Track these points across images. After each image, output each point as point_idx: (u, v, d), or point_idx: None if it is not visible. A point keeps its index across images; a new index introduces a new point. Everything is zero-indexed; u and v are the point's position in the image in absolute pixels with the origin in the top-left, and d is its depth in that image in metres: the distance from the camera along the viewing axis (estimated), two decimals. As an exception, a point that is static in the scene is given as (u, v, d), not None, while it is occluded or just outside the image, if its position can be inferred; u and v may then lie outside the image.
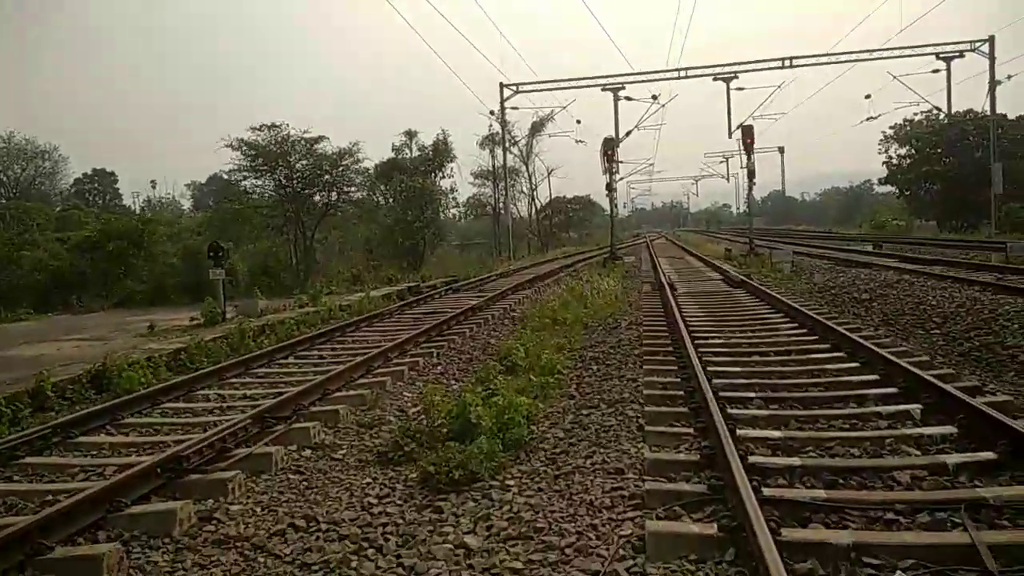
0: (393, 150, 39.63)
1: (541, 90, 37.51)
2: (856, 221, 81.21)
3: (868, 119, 46.77)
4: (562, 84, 37.49)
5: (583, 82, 36.97)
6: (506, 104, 37.77)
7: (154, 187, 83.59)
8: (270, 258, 25.22)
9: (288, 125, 27.74)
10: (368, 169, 30.61)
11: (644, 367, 8.89)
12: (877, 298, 14.40)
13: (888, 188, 60.67)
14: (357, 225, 37.99)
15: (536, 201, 68.09)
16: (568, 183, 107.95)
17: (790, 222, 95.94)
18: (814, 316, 11.44)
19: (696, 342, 9.79)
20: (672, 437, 5.97)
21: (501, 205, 45.63)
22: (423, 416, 7.04)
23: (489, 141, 52.17)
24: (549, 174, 67.47)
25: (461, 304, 16.60)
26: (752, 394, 7.20)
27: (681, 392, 7.35)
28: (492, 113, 36.88)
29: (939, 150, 50.09)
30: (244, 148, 26.49)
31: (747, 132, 30.70)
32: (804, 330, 10.80)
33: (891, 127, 53.87)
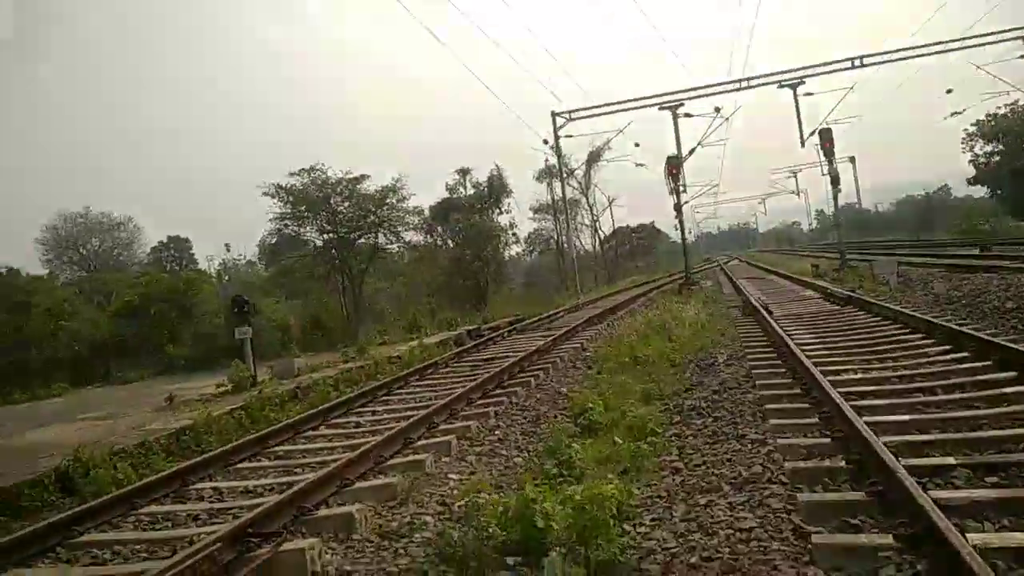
0: (447, 189, 38.21)
1: (595, 115, 35.34)
2: (937, 228, 76.05)
3: (953, 114, 43.04)
4: (617, 107, 35.34)
5: (639, 103, 34.76)
6: (560, 133, 35.78)
7: (228, 250, 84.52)
8: (320, 310, 23.66)
9: (327, 167, 26.43)
10: (421, 209, 28.93)
11: (769, 420, 6.60)
12: (1030, 306, 11.72)
13: (974, 189, 56.41)
14: (417, 268, 36.55)
15: (599, 232, 66.02)
16: (631, 211, 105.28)
17: (867, 234, 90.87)
18: (967, 333, 8.97)
19: (829, 379, 7.45)
20: (865, 555, 3.70)
21: (564, 238, 43.56)
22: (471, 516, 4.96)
23: (546, 174, 50.31)
24: (611, 203, 65.48)
25: (526, 346, 14.52)
26: (950, 459, 4.86)
27: (842, 463, 5.05)
28: (546, 143, 34.97)
29: (1033, 141, 46.22)
30: (282, 194, 25.18)
31: (825, 136, 28.13)
32: (964, 353, 8.31)
33: (973, 124, 50.06)
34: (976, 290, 14.85)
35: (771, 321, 12.96)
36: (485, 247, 33.11)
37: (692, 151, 33.42)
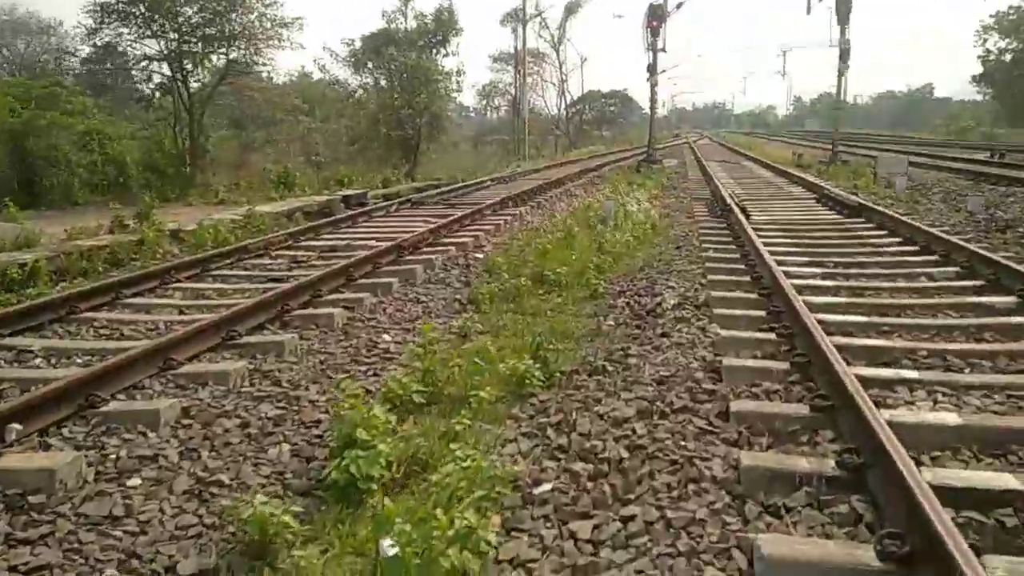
0: (384, 19, 31.82)
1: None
2: (914, 127, 71.75)
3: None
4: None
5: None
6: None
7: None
8: (153, 147, 18.18)
9: None
10: (301, 20, 21.52)
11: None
12: None
13: (958, 91, 51.73)
14: (343, 111, 31.14)
15: (567, 93, 60.20)
16: (605, 80, 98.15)
17: (844, 126, 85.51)
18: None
19: (892, 431, 3.17)
20: None
21: (519, 94, 37.91)
22: None
23: (512, 18, 43.98)
24: (583, 63, 59.60)
25: (401, 232, 10.05)
26: None
27: None
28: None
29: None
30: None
31: (843, -1, 22.74)
32: None
33: (992, 15, 44.52)
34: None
35: (750, 233, 8.62)
36: (419, 93, 27.54)
37: (680, 3, 27.89)
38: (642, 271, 8.04)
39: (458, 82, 31.79)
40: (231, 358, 4.97)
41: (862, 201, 11.65)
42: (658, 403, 4.06)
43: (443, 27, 32.21)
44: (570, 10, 54.21)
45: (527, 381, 4.67)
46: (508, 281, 7.47)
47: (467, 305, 6.98)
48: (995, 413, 3.77)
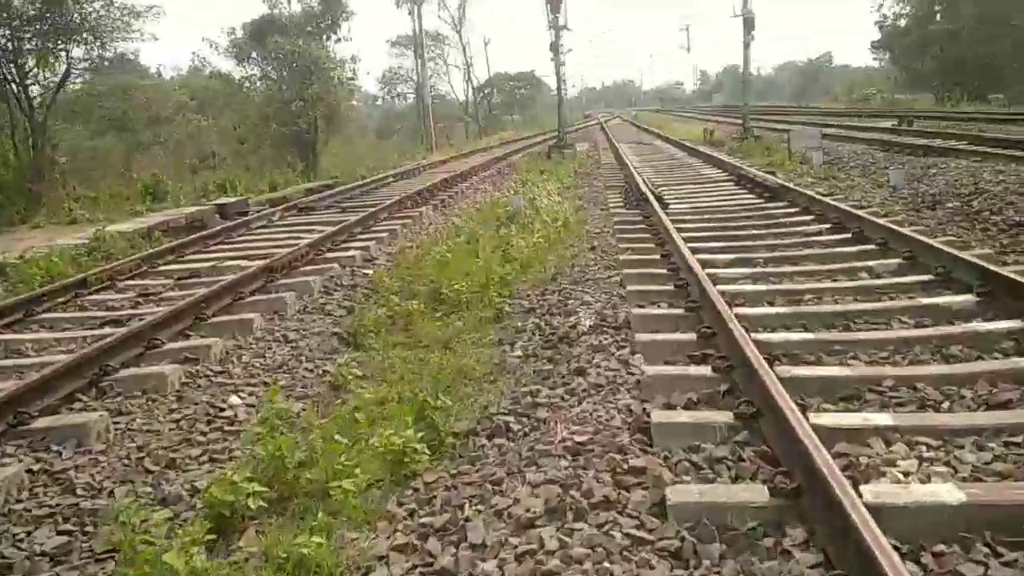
0: (265, 2, 29.68)
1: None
2: (817, 96, 73.18)
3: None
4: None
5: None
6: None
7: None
8: None
9: None
10: (157, 8, 19.18)
11: None
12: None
13: (857, 57, 52.90)
14: (231, 104, 29.25)
15: (473, 78, 58.96)
16: (509, 62, 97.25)
17: (749, 98, 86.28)
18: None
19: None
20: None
21: (420, 79, 36.40)
22: None
23: (408, -1, 42.27)
24: (487, 44, 58.56)
25: (279, 246, 8.83)
26: None
27: None
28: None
29: (943, 4, 42.04)
30: None
31: (745, -35, 22.28)
32: None
33: (885, -19, 45.25)
34: (957, 185, 10.19)
35: (669, 227, 7.76)
36: (310, 83, 25.79)
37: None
38: (554, 280, 7.07)
39: (353, 69, 30.13)
40: (11, 458, 3.73)
41: (782, 182, 10.99)
42: (573, 491, 3.06)
43: (331, 10, 30.50)
44: (469, -13, 52.90)
45: (407, 460, 3.62)
46: (398, 305, 6.39)
47: (348, 340, 5.86)
48: (999, 476, 2.93)
